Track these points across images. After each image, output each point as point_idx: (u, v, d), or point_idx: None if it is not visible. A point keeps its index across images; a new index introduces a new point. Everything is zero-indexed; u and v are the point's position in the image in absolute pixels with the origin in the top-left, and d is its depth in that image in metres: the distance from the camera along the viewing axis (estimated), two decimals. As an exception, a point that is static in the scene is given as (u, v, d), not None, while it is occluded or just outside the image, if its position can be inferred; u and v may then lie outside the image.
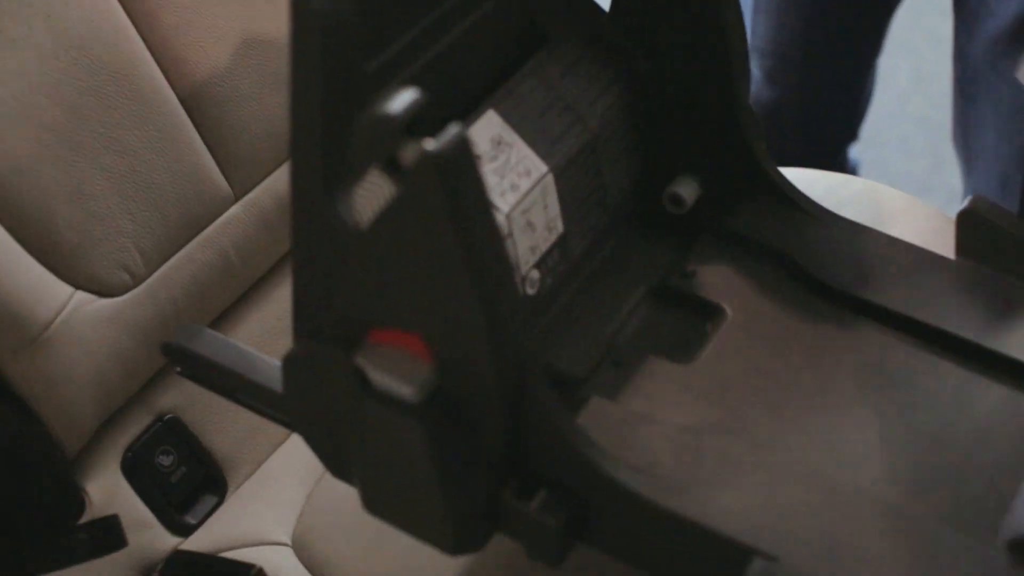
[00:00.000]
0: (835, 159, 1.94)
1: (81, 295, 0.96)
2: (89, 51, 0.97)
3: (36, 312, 0.93)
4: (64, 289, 0.95)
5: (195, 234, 1.03)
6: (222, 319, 1.08)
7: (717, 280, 0.81)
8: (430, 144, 0.59)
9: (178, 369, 0.83)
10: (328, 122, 0.64)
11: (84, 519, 0.98)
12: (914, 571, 0.66)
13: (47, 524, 0.96)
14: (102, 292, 0.98)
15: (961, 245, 0.82)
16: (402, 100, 0.61)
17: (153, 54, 1.01)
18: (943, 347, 0.78)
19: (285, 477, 1.06)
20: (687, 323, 0.80)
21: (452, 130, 0.59)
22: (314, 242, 0.67)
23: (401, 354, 0.67)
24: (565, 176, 0.77)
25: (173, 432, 1.04)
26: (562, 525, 0.69)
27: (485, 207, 0.62)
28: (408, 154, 0.60)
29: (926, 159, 2.16)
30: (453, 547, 0.71)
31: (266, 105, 1.07)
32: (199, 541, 1.02)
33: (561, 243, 0.78)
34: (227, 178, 1.05)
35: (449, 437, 0.67)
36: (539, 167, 0.75)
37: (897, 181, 2.12)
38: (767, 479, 0.70)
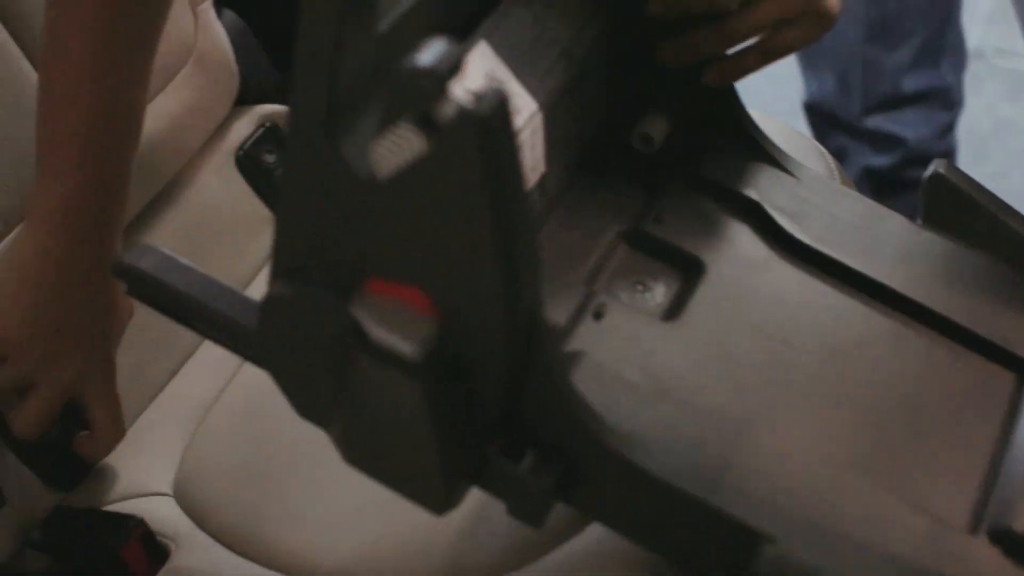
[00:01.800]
0: None
1: None
2: None
3: None
4: None
5: None
6: None
7: (690, 228, 0.83)
8: (470, 103, 0.59)
9: (126, 290, 0.82)
10: (339, 47, 0.63)
11: None
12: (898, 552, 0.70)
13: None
14: None
15: (927, 212, 0.86)
16: (439, 52, 0.60)
17: None
18: (906, 313, 0.82)
19: (163, 428, 1.08)
20: (664, 274, 0.82)
21: (493, 89, 0.60)
22: (313, 184, 0.66)
23: (402, 307, 0.67)
24: (552, 114, 0.78)
25: None
26: (552, 487, 0.71)
27: (518, 170, 0.62)
28: (445, 111, 0.60)
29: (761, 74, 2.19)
30: (441, 506, 0.72)
31: None
32: (80, 497, 1.04)
33: (541, 183, 0.79)
34: None
35: (448, 396, 0.68)
36: (530, 105, 0.76)
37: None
38: (758, 456, 0.73)
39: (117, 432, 1.01)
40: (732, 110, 0.86)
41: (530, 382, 0.69)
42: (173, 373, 1.14)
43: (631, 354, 0.76)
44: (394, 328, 0.67)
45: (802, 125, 1.99)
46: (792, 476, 0.73)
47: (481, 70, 0.74)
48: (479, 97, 0.59)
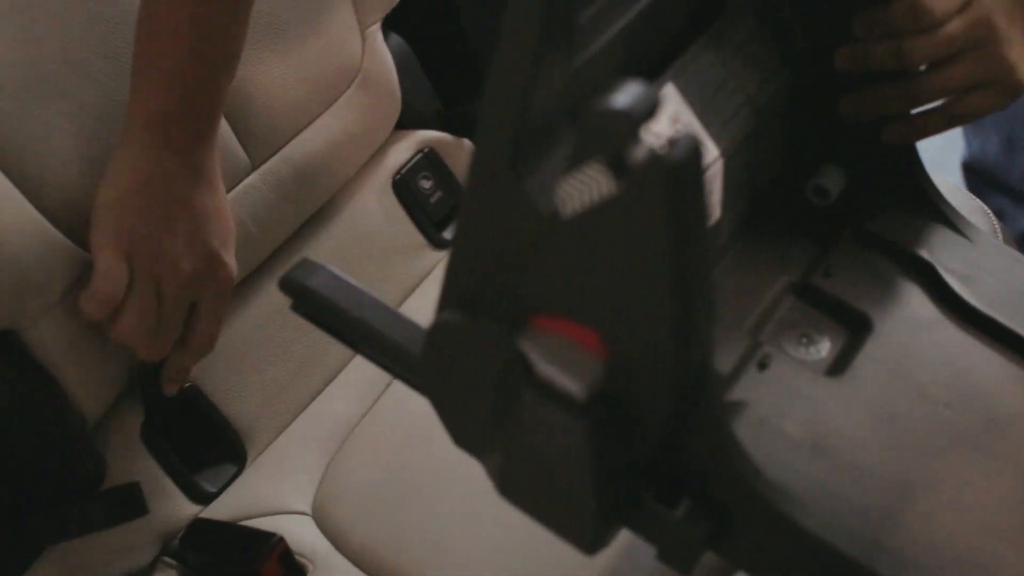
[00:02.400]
0: None
1: None
2: (104, 17, 1.00)
3: (55, 279, 0.96)
4: (83, 256, 0.98)
5: None
6: (240, 287, 1.12)
7: (859, 285, 0.84)
8: (663, 148, 0.60)
9: (291, 305, 0.84)
10: (533, 80, 0.64)
11: (104, 487, 1.01)
12: None
13: (67, 491, 0.99)
14: None
15: None
16: (635, 95, 0.61)
17: None
18: None
19: (304, 446, 1.10)
20: (831, 329, 0.82)
21: (686, 136, 0.60)
22: (492, 216, 0.68)
23: (570, 345, 0.68)
24: (730, 161, 0.79)
25: (192, 401, 1.08)
26: (706, 536, 0.72)
27: (704, 219, 0.63)
28: (637, 155, 0.61)
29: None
30: (592, 546, 0.73)
31: (284, 74, 1.11)
32: (219, 509, 1.07)
33: (714, 229, 0.80)
34: (244, 147, 1.08)
35: (609, 437, 0.69)
36: (711, 151, 0.77)
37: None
38: (915, 522, 0.73)
39: (208, 344, 1.05)
40: (910, 168, 0.86)
41: (691, 429, 0.70)
42: (317, 392, 1.16)
43: (793, 408, 0.77)
44: (561, 365, 0.68)
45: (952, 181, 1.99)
46: (949, 545, 0.73)
47: (667, 112, 0.75)
48: (673, 143, 0.60)
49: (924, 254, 0.85)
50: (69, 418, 0.99)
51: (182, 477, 1.06)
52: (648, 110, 0.61)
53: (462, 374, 0.73)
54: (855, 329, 0.82)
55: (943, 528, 0.74)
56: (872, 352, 0.81)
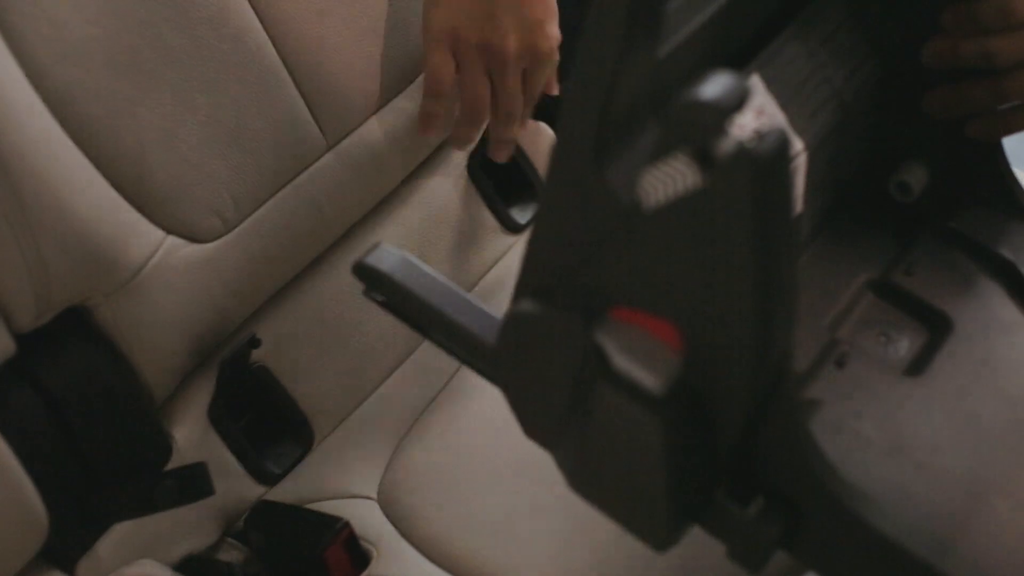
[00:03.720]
0: None
1: (173, 240, 1.00)
2: None
3: (128, 256, 0.96)
4: (156, 233, 0.99)
5: (287, 181, 1.08)
6: (312, 267, 1.13)
7: (940, 284, 0.83)
8: (751, 142, 0.60)
9: (364, 290, 0.84)
10: (618, 70, 0.64)
11: (170, 466, 1.02)
12: None
13: (134, 469, 1.00)
14: (194, 237, 1.02)
15: None
16: (723, 86, 0.60)
17: None
18: None
19: (371, 431, 1.11)
20: (910, 328, 0.82)
21: (775, 129, 0.60)
22: (573, 206, 0.68)
23: (648, 338, 0.68)
24: (814, 155, 0.79)
25: (261, 381, 1.08)
26: (778, 535, 0.72)
27: (789, 216, 0.63)
28: (724, 148, 0.61)
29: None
30: (663, 542, 0.73)
31: (361, 54, 1.11)
32: (284, 491, 1.08)
33: (795, 224, 0.79)
34: (320, 126, 1.09)
35: (684, 432, 0.69)
36: (795, 145, 0.76)
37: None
38: (992, 527, 0.73)
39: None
40: (995, 165, 0.86)
41: (767, 426, 0.70)
42: (386, 376, 1.17)
43: (870, 408, 0.77)
44: (638, 358, 0.68)
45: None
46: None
47: (752, 104, 0.75)
48: (761, 136, 0.60)
49: (1007, 253, 0.84)
50: (137, 395, 0.99)
51: (248, 458, 1.06)
52: (737, 102, 0.60)
53: (536, 365, 0.73)
54: (935, 329, 0.81)
55: (1019, 533, 0.73)
56: (951, 353, 0.80)
